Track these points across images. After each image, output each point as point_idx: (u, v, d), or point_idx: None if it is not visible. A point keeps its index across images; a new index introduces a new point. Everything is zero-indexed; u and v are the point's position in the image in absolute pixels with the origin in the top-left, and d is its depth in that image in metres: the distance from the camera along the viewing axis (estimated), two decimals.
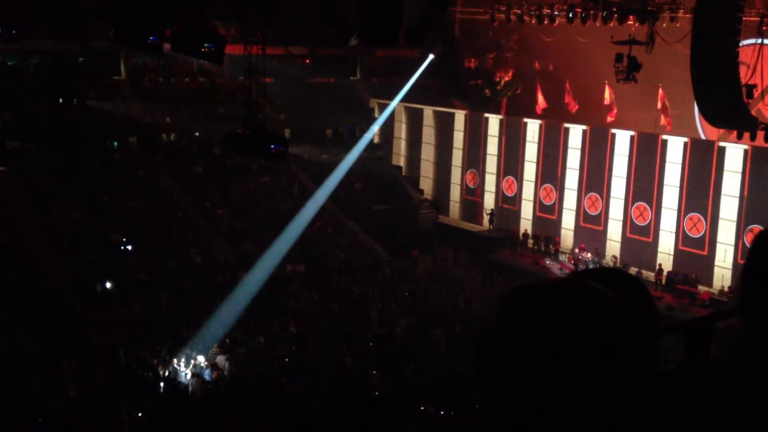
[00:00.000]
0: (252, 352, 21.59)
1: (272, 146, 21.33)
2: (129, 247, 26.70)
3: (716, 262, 27.26)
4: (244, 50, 22.39)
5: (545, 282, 1.20)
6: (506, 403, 1.16)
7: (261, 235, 28.97)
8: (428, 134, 38.09)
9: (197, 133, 33.82)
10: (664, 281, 27.82)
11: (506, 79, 36.10)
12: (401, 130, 39.32)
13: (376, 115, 39.64)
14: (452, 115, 36.85)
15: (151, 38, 20.16)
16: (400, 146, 39.25)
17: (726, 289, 26.06)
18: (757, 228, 23.64)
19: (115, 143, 32.05)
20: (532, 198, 33.62)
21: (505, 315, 1.17)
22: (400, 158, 39.30)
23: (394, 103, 36.20)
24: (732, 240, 26.72)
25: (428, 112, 37.64)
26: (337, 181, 32.23)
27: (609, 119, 31.16)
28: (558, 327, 1.13)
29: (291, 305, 25.24)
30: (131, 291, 24.19)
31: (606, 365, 1.13)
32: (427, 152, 38.25)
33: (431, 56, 34.73)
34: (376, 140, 39.18)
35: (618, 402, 1.15)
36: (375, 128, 37.10)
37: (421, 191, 38.08)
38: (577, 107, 32.32)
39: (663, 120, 29.71)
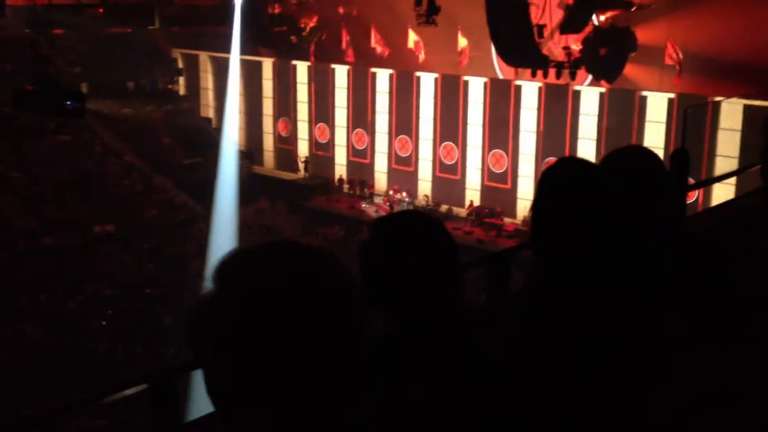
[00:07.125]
0: (64, 318, 20.53)
1: (68, 102, 19.94)
2: None
3: (519, 195, 28.92)
4: (28, 0, 20.74)
5: (247, 251, 1.19)
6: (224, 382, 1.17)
7: (62, 198, 27.32)
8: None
9: None
10: (474, 216, 29.19)
11: (311, 24, 35.73)
12: (208, 81, 38.15)
13: (180, 65, 38.17)
14: (260, 63, 36.18)
15: None
16: (208, 97, 38.11)
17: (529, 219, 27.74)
18: (552, 160, 25.23)
19: None
20: (345, 143, 33.92)
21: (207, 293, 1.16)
22: (209, 110, 38.17)
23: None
24: (532, 173, 28.39)
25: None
26: None
27: (418, 63, 31.76)
28: (258, 298, 1.13)
29: (102, 268, 24.15)
30: None
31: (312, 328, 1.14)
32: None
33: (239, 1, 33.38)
34: (181, 92, 37.77)
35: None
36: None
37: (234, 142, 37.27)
38: (388, 51, 32.67)
39: (463, 62, 30.73)
